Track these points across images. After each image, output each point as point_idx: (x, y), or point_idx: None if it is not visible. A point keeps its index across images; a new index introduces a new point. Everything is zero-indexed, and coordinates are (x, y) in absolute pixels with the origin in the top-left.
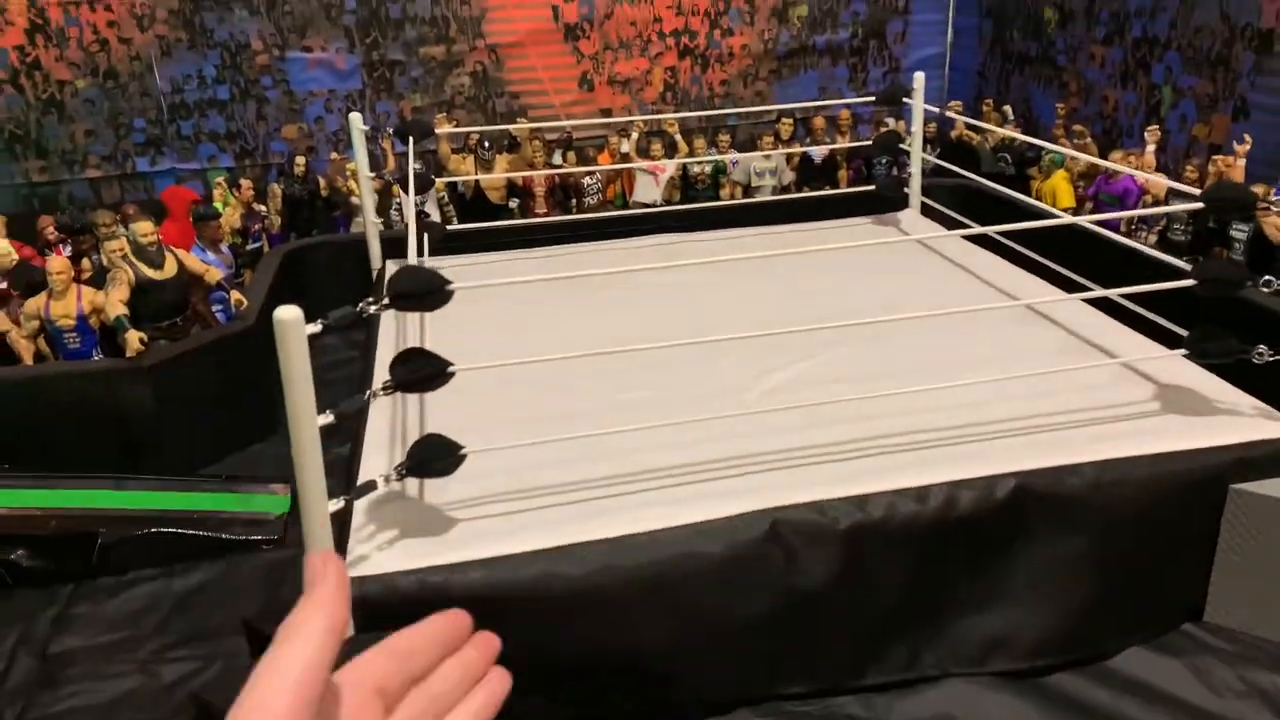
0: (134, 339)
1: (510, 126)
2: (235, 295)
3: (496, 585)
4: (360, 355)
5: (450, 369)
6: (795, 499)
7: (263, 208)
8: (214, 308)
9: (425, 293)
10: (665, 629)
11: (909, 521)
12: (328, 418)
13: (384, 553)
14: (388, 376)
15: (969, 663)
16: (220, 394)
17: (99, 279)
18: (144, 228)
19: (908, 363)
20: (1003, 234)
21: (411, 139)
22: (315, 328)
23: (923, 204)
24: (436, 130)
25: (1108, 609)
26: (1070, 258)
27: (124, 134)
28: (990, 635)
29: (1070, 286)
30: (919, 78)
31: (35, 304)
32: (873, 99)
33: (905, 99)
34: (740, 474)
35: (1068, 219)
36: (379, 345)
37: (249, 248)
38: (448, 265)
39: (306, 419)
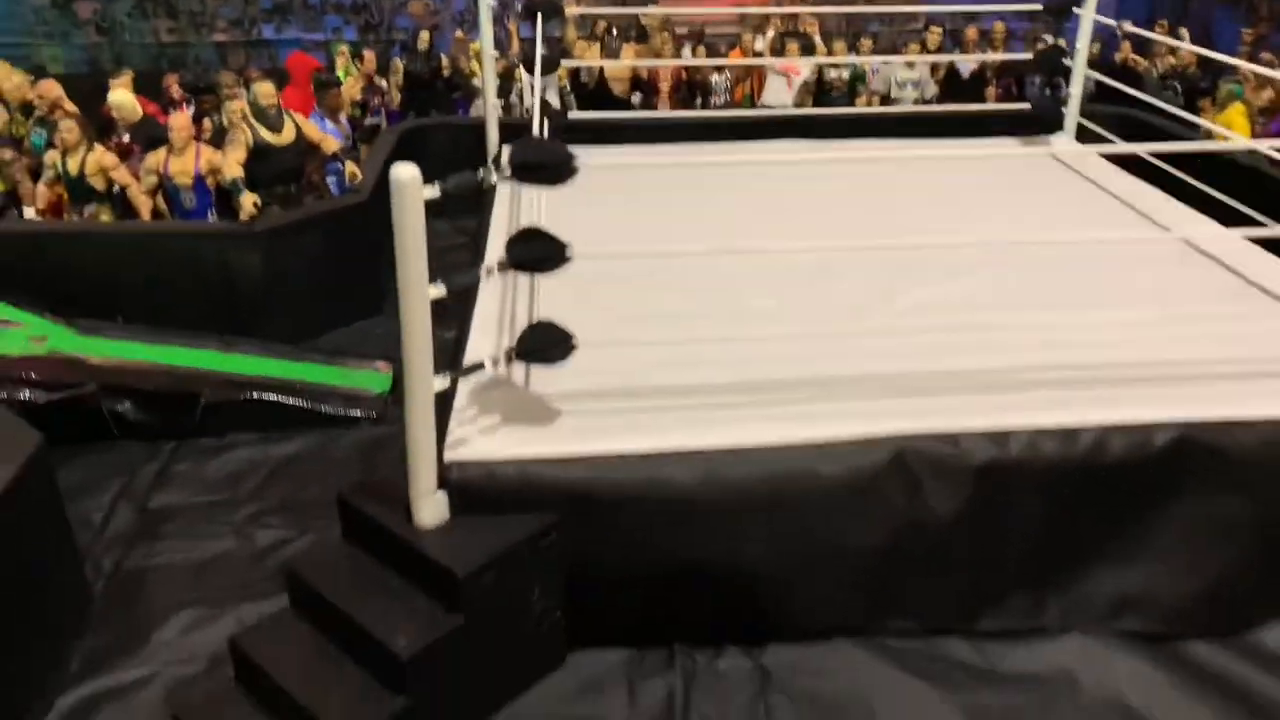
0: (248, 201)
1: (641, 10)
2: (350, 168)
3: (599, 484)
4: (469, 241)
5: (568, 252)
6: (927, 428)
7: (384, 82)
8: (328, 178)
9: (550, 165)
10: (771, 548)
11: (1052, 464)
12: (440, 289)
13: (486, 438)
14: (503, 255)
15: (1097, 618)
16: (330, 266)
17: (219, 140)
18: (265, 89)
19: (1053, 294)
20: (1162, 160)
21: (540, 16)
22: (433, 191)
23: (1080, 129)
24: (566, 10)
25: (1260, 580)
26: (1242, 201)
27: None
28: (1125, 593)
29: (1243, 226)
30: None
31: (155, 159)
32: (1039, 7)
33: (1075, 8)
34: (868, 396)
35: (1244, 143)
36: (491, 227)
37: (367, 122)
38: None
39: (418, 285)
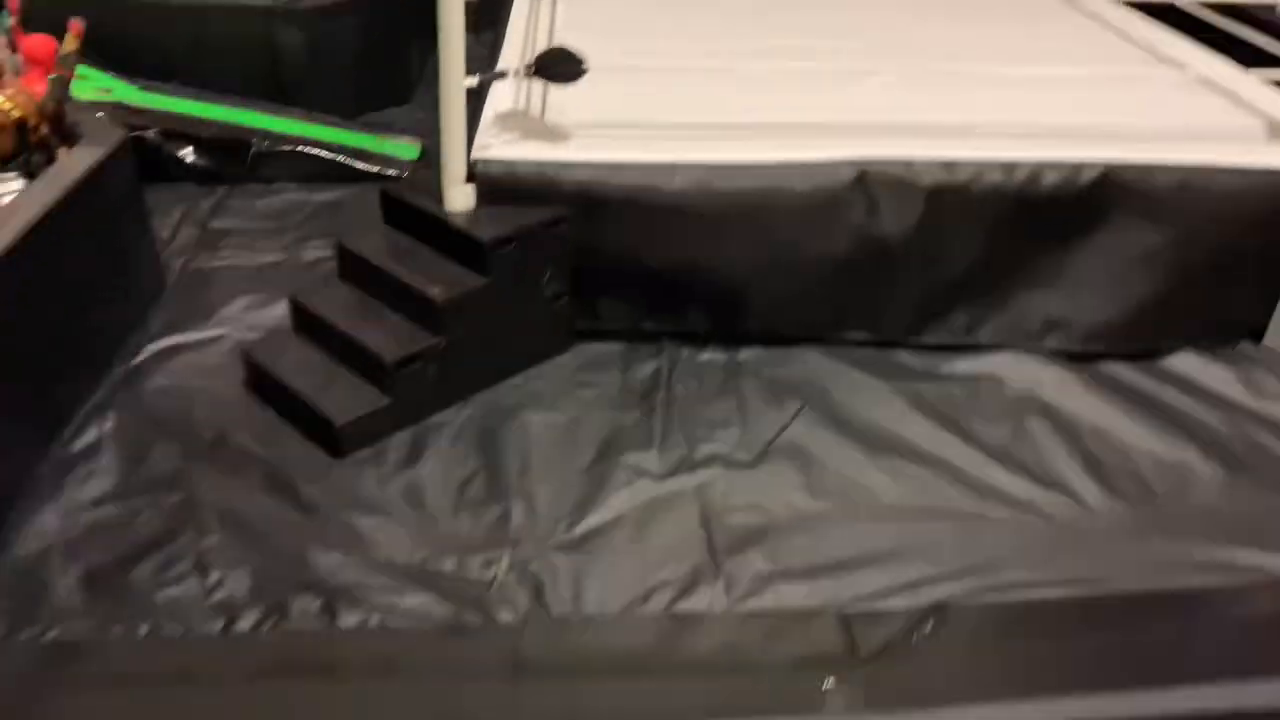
0: None
1: None
2: None
3: (604, 186)
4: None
5: None
6: (887, 154)
7: None
8: None
9: None
10: (748, 255)
11: (991, 191)
12: None
13: (508, 144)
14: None
15: (1025, 337)
16: (366, 53)
17: None
18: None
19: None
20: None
21: None
22: None
23: None
24: None
25: (1169, 310)
26: None
27: None
28: (1050, 314)
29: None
30: None
31: None
32: None
33: None
34: (840, 131)
35: None
36: None
37: None
38: None
39: None
